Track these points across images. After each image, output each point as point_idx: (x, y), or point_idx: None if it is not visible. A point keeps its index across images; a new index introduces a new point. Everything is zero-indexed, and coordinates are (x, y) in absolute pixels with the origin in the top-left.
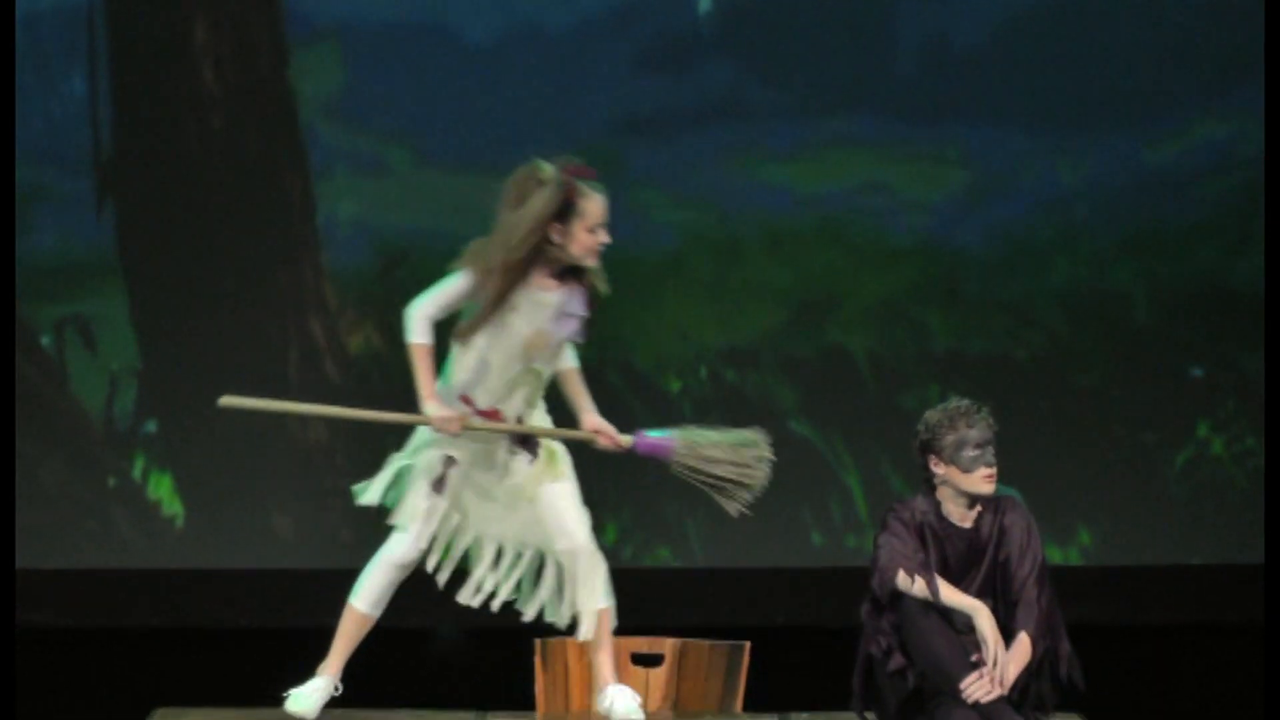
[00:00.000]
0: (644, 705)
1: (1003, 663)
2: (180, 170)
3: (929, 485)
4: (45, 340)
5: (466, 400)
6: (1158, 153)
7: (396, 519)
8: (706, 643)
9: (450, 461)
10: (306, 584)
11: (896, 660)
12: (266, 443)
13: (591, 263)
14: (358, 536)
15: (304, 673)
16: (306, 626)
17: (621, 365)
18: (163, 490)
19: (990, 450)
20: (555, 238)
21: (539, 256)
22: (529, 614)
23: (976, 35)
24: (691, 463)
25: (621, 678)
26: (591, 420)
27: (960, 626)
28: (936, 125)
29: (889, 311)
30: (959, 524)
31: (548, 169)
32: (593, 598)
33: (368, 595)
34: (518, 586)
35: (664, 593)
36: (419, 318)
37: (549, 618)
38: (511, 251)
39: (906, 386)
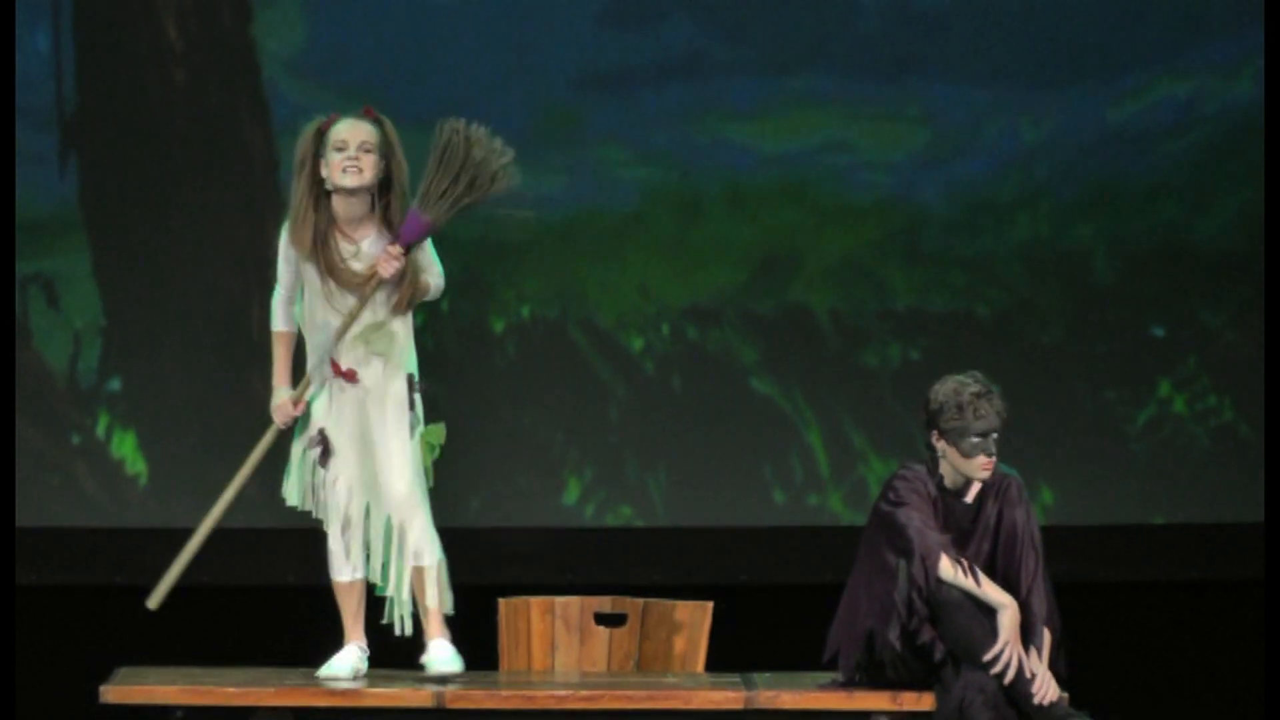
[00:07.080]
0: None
1: (1008, 661)
2: (143, 126)
3: (932, 455)
4: None
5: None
6: (1119, 110)
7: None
8: (669, 602)
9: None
10: (269, 542)
11: (928, 633)
12: (230, 401)
13: (349, 183)
14: None
15: (268, 630)
16: (269, 585)
17: (583, 323)
18: (126, 448)
19: (992, 440)
20: (323, 173)
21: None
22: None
23: None
24: (447, 204)
25: (584, 637)
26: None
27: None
28: (898, 83)
29: (850, 269)
30: (962, 498)
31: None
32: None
33: (334, 563)
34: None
35: (626, 552)
36: None
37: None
38: (294, 209)
39: (868, 344)
